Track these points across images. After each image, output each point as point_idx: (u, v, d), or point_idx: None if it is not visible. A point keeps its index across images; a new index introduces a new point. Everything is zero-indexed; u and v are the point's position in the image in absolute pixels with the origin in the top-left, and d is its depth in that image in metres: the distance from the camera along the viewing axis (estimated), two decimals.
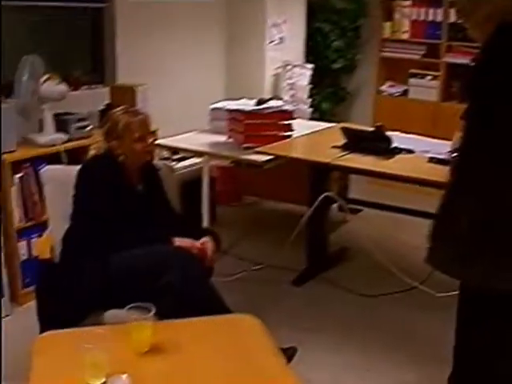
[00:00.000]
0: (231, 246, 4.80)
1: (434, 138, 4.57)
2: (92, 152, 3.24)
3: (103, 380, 2.11)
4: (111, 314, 2.85)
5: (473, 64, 2.41)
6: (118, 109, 3.22)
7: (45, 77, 4.10)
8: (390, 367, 3.53)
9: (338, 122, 5.49)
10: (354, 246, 5.00)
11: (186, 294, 2.83)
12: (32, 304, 3.99)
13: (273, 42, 5.94)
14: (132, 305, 2.34)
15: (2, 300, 3.95)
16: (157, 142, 4.54)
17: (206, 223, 4.46)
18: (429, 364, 3.51)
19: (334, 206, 4.74)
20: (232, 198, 5.84)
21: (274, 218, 5.79)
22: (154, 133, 3.26)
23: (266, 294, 4.28)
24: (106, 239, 2.98)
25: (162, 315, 2.42)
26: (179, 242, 3.03)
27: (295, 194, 5.26)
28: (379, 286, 4.33)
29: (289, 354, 3.13)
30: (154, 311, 2.31)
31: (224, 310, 2.89)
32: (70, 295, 2.89)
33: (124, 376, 1.92)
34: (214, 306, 2.88)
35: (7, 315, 3.99)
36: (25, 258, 4.11)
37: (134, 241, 2.99)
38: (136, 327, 2.31)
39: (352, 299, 4.25)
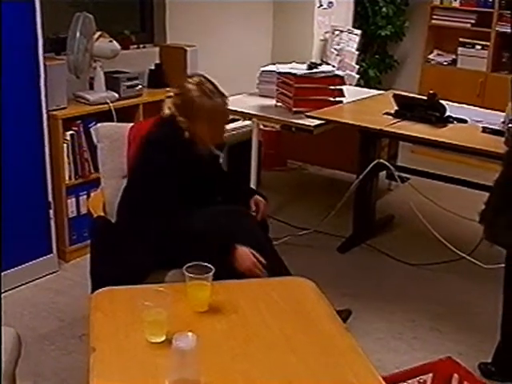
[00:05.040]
0: (276, 211, 4.79)
1: (482, 108, 4.52)
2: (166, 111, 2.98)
3: (163, 338, 2.11)
4: (173, 273, 2.85)
5: None
6: (194, 86, 2.85)
7: (97, 34, 4.09)
8: (437, 336, 3.52)
9: (384, 89, 5.43)
10: (399, 214, 4.97)
11: None
12: (79, 261, 4.10)
13: (321, 6, 5.86)
14: (191, 264, 2.33)
15: (49, 256, 4.01)
16: None
17: (253, 186, 4.45)
18: (477, 335, 3.50)
19: (382, 173, 4.70)
20: (276, 163, 5.81)
21: (318, 183, 5.78)
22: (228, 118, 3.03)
23: (310, 259, 4.27)
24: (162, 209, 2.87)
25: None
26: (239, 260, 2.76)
27: (340, 160, 5.23)
28: (425, 255, 4.31)
29: (343, 316, 3.13)
30: (213, 271, 2.30)
31: (283, 271, 2.88)
32: (129, 257, 2.88)
33: (190, 334, 1.92)
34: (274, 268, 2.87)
35: (55, 271, 4.04)
36: (73, 215, 4.13)
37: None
38: (195, 287, 2.31)
39: (398, 268, 4.23)
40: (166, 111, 2.93)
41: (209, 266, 2.32)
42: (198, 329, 2.16)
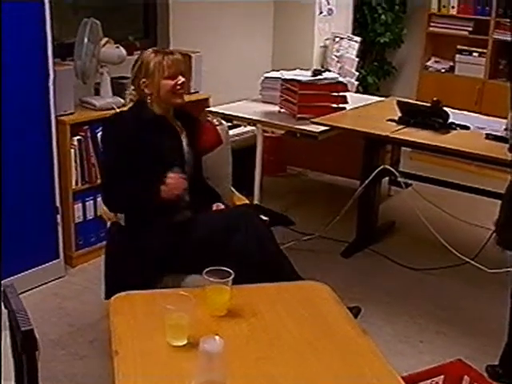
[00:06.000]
0: None
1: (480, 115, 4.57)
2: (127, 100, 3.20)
3: (185, 342, 2.14)
4: (189, 279, 2.88)
5: None
6: (150, 50, 3.10)
7: (104, 40, 4.12)
8: (443, 340, 3.57)
9: (383, 96, 5.48)
10: (400, 219, 5.01)
11: (248, 257, 2.84)
12: (85, 266, 4.12)
13: (322, 13, 5.90)
14: (209, 268, 2.35)
15: (56, 261, 4.02)
16: (210, 109, 4.62)
17: (256, 192, 4.48)
18: (482, 338, 3.54)
19: (384, 179, 4.74)
20: (276, 169, 5.83)
21: (319, 189, 5.81)
22: (185, 75, 3.09)
23: (315, 264, 4.29)
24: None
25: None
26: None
27: (342, 166, 5.28)
28: (429, 260, 4.34)
29: (353, 313, 3.17)
30: (232, 276, 2.33)
31: (290, 273, 2.93)
32: (142, 259, 2.92)
33: (217, 337, 1.94)
34: (278, 268, 2.92)
35: (61, 276, 4.05)
36: (79, 220, 4.15)
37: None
38: (215, 291, 2.34)
39: (401, 272, 4.27)
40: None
41: (228, 270, 2.35)
42: (219, 332, 2.19)
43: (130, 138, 2.97)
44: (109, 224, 3.15)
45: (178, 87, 3.03)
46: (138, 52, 4.73)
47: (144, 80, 3.02)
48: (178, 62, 3.04)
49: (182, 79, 3.04)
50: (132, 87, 3.12)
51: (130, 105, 3.16)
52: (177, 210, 3.04)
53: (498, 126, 4.04)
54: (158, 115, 3.06)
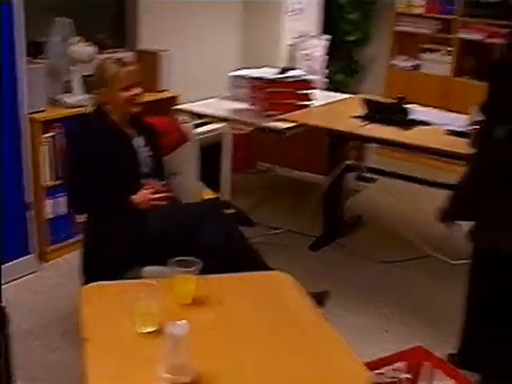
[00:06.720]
0: (248, 212, 4.89)
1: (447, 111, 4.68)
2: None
3: (154, 328, 2.22)
4: (150, 269, 2.96)
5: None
6: (109, 59, 3.23)
7: (75, 39, 4.18)
8: (407, 330, 3.66)
9: (352, 93, 5.57)
10: (367, 214, 5.11)
11: (218, 250, 2.96)
12: (58, 260, 4.17)
13: (290, 11, 5.98)
14: (177, 259, 2.42)
15: (28, 257, 4.07)
16: (180, 106, 4.68)
17: (225, 189, 4.56)
18: (444, 328, 3.63)
19: (350, 174, 4.84)
20: (247, 165, 5.90)
21: (287, 185, 5.89)
22: (140, 84, 3.21)
23: (283, 257, 4.36)
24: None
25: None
26: (136, 198, 3.14)
27: (309, 161, 5.37)
28: (394, 252, 4.45)
29: (322, 298, 3.26)
30: (198, 265, 2.40)
31: (261, 267, 3.02)
32: (109, 251, 3.02)
33: (182, 321, 2.02)
34: (248, 263, 3.02)
35: (34, 271, 4.09)
36: (51, 216, 4.20)
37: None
38: (180, 280, 2.41)
39: (367, 265, 4.37)
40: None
41: (194, 259, 2.42)
42: (186, 319, 2.27)
43: (92, 145, 3.10)
44: (82, 219, 3.23)
45: (134, 98, 3.16)
46: (109, 50, 4.82)
47: (102, 89, 3.16)
48: (133, 74, 3.16)
49: (136, 91, 3.16)
50: (95, 91, 3.25)
51: (92, 109, 3.29)
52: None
53: (460, 122, 4.14)
54: (113, 123, 3.18)
